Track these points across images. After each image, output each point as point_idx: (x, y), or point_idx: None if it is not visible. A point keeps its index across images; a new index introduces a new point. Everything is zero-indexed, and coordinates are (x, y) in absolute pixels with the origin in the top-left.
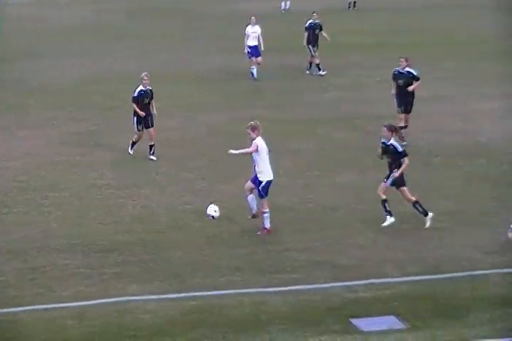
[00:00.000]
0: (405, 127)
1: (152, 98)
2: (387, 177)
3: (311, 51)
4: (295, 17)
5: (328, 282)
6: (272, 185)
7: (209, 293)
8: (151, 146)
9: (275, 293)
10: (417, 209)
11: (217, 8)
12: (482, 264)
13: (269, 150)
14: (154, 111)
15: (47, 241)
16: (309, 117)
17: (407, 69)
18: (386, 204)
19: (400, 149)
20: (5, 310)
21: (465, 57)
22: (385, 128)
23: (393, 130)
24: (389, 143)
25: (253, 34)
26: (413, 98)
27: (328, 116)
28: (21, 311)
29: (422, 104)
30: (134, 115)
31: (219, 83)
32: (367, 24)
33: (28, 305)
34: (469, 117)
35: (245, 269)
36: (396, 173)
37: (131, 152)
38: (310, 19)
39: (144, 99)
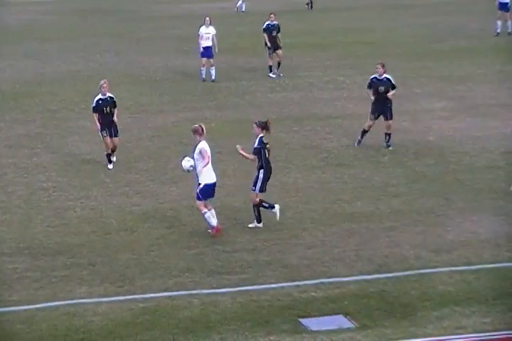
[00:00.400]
0: (389, 134)
1: (114, 106)
2: (254, 184)
3: (269, 53)
4: (251, 18)
5: (278, 282)
6: (218, 186)
7: (159, 294)
8: (109, 154)
9: (225, 293)
10: (263, 207)
11: (171, 8)
12: (430, 263)
13: (219, 152)
14: (115, 118)
15: None
16: (258, 117)
17: (385, 75)
18: (259, 209)
19: (256, 145)
20: None
21: (409, 56)
22: (254, 125)
23: (263, 127)
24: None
25: (207, 35)
26: (391, 104)
27: (277, 117)
28: None
29: (369, 103)
30: (98, 122)
31: (169, 84)
32: (320, 24)
33: None
34: (417, 117)
35: (195, 270)
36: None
37: (110, 167)
38: (267, 21)
39: (103, 109)
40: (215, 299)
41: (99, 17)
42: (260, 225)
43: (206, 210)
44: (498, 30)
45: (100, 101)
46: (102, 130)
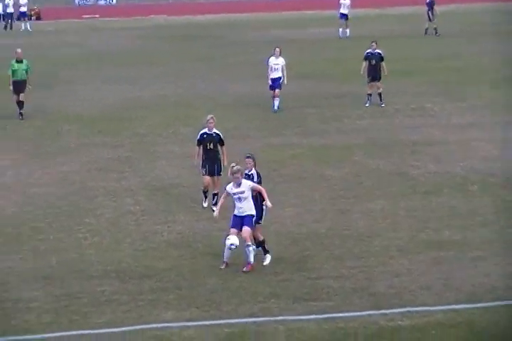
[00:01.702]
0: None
1: (221, 143)
2: (260, 218)
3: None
4: (353, 43)
5: (365, 310)
6: (304, 212)
7: (245, 319)
8: (214, 195)
9: (311, 320)
10: (263, 249)
11: (263, 34)
12: None
13: (304, 177)
14: (225, 162)
15: (82, 268)
16: (345, 143)
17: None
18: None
19: (258, 179)
20: (40, 335)
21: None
22: (249, 159)
23: (254, 158)
24: (250, 172)
25: (275, 65)
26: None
27: (364, 143)
28: (56, 338)
29: (459, 130)
30: (200, 158)
31: (256, 109)
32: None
33: (62, 331)
34: (507, 145)
35: (280, 296)
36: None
37: (205, 205)
38: (369, 48)
39: (206, 144)
40: (301, 326)
41: (188, 43)
42: (269, 256)
43: (251, 243)
44: None
45: (205, 136)
46: (202, 167)
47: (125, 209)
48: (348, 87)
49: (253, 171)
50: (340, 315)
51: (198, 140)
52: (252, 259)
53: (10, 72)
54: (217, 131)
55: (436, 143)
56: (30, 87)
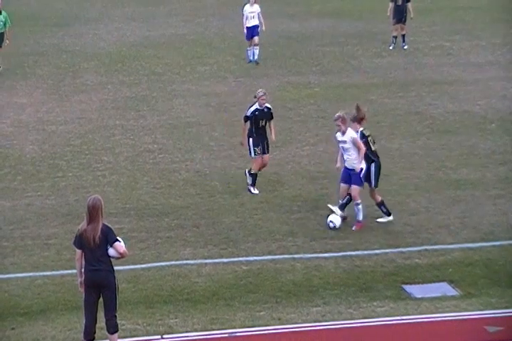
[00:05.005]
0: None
1: (271, 118)
2: (369, 181)
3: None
4: None
5: (382, 248)
6: (322, 151)
7: (262, 257)
8: (256, 174)
9: (328, 258)
10: (383, 210)
11: None
12: None
13: (323, 117)
14: (272, 136)
15: None
16: (362, 82)
17: None
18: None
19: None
20: (63, 271)
21: (501, 22)
22: (349, 121)
23: (361, 119)
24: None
25: (251, 14)
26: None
27: (382, 82)
28: (75, 274)
29: (478, 69)
30: (249, 136)
31: (273, 48)
32: None
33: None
34: None
35: (298, 234)
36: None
37: (255, 191)
38: None
39: (259, 121)
40: (318, 263)
41: None
42: (391, 218)
43: (360, 201)
44: None
45: (257, 112)
46: (255, 146)
47: (143, 148)
48: (363, 25)
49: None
50: (357, 253)
51: (247, 116)
52: (361, 217)
53: None
54: (268, 105)
55: (455, 82)
56: (7, 41)
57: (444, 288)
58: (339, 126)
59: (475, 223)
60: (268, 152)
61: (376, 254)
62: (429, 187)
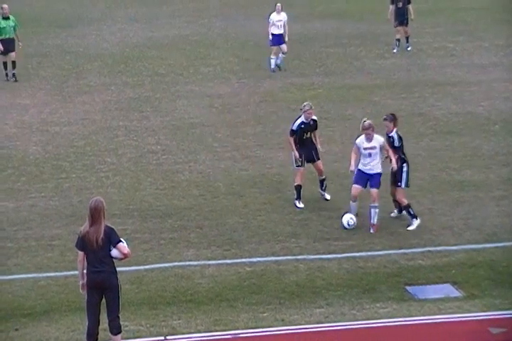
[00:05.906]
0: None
1: (316, 129)
2: (400, 181)
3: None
4: None
5: (385, 249)
6: (325, 152)
7: (265, 258)
8: (321, 181)
9: (331, 259)
10: (409, 213)
11: None
12: None
13: (326, 118)
14: (319, 146)
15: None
16: (366, 83)
17: None
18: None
19: (398, 144)
20: (67, 273)
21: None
22: (386, 122)
23: (396, 119)
24: (390, 134)
25: (278, 22)
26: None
27: (385, 83)
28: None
29: (481, 70)
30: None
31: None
32: None
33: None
34: None
35: (301, 235)
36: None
37: (299, 205)
38: None
39: (303, 134)
40: (321, 265)
41: None
42: (419, 221)
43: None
44: None
45: (303, 126)
46: (298, 156)
47: (146, 149)
48: (370, 27)
49: (393, 133)
50: (361, 254)
51: (293, 130)
52: (375, 221)
53: None
54: (314, 117)
55: (458, 83)
56: (21, 44)
57: (447, 290)
58: (369, 134)
59: (478, 224)
60: (319, 158)
61: (379, 255)
62: (433, 188)
